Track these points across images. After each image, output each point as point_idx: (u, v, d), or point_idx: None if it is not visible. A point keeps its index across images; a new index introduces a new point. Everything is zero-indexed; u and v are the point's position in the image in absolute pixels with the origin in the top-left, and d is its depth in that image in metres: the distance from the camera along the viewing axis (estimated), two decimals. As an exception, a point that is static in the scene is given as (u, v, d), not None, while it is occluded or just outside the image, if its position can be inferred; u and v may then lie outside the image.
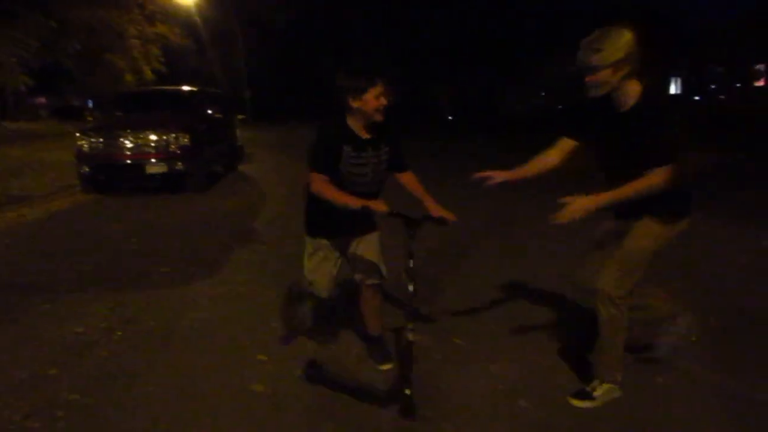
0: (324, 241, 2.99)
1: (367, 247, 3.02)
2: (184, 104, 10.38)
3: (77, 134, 9.12)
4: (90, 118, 11.57)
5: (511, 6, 33.96)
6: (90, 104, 33.32)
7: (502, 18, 34.73)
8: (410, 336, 2.64)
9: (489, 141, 19.67)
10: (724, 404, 2.81)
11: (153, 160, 8.72)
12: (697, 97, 34.87)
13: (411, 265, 2.69)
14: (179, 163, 8.76)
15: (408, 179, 3.09)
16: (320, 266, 3.01)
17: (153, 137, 8.78)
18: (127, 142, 8.77)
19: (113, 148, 8.77)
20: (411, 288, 2.69)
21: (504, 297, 4.25)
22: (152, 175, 8.83)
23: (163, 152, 8.75)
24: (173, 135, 8.79)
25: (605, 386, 2.78)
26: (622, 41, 2.45)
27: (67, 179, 9.87)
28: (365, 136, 2.83)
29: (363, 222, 2.98)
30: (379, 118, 2.73)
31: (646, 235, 2.65)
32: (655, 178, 2.46)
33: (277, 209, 7.86)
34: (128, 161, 8.79)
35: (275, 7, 31.75)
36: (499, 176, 2.83)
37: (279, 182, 10.42)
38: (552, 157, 2.83)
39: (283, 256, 5.27)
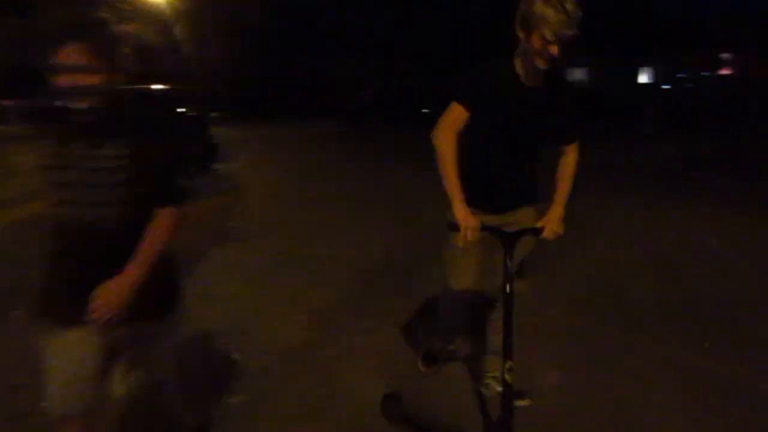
0: None
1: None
2: (155, 103, 10.23)
3: (46, 137, 8.92)
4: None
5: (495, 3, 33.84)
6: (61, 105, 32.56)
7: (486, 13, 34.57)
8: (509, 377, 2.22)
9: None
10: (699, 386, 3.00)
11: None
12: (667, 86, 35.38)
13: (508, 290, 2.23)
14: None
15: (157, 220, 1.92)
16: None
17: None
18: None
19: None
20: (505, 321, 2.23)
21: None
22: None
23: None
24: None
25: None
26: None
27: (38, 184, 9.68)
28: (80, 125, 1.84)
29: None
30: (72, 100, 1.79)
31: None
32: (575, 156, 2.51)
33: (254, 208, 7.82)
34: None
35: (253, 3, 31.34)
36: (474, 221, 2.28)
37: (256, 180, 10.35)
38: (455, 145, 2.37)
39: (259, 254, 5.27)
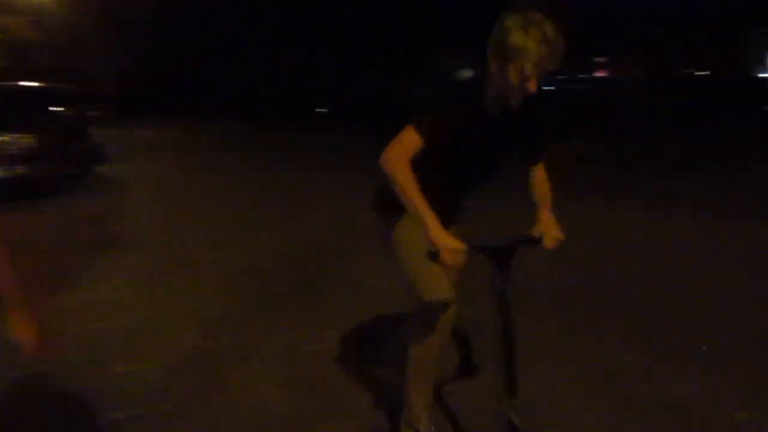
0: None
1: None
2: (28, 102, 9.55)
3: None
4: None
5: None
6: None
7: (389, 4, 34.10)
8: (515, 418, 1.92)
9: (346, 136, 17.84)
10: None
11: (-8, 164, 7.87)
12: (552, 87, 37.67)
13: (506, 318, 1.93)
14: (22, 167, 8.04)
15: None
16: None
17: (-10, 139, 7.92)
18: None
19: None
20: (506, 354, 1.94)
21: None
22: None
23: (2, 155, 7.94)
24: (14, 136, 8.16)
25: None
26: None
27: None
28: None
29: None
30: None
31: None
32: (543, 170, 2.38)
33: (139, 210, 7.49)
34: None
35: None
36: (458, 244, 1.96)
37: (142, 183, 9.93)
38: (411, 170, 2.02)
39: (146, 260, 5.05)
